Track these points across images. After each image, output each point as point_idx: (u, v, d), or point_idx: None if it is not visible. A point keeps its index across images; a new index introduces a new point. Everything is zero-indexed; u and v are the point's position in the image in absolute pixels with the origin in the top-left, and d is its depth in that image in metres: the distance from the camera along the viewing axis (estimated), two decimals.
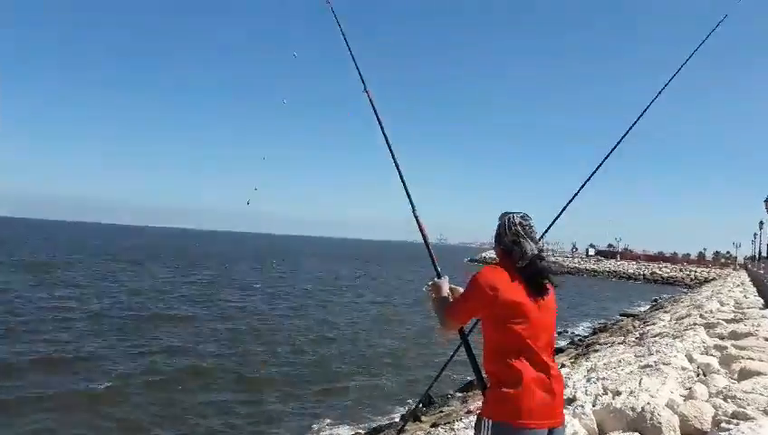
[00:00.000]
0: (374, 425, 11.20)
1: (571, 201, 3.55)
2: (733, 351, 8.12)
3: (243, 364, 15.68)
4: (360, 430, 11.09)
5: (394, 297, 35.84)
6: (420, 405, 10.76)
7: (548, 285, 2.48)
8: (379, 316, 26.74)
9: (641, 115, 3.29)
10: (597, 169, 3.33)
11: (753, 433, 3.89)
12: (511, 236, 2.50)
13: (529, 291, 2.42)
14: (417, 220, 3.09)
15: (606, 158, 3.27)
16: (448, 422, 8.44)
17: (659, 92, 3.34)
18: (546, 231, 3.63)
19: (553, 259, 2.66)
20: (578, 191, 3.48)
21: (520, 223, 2.52)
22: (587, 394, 6.02)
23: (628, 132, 3.31)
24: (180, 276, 40.97)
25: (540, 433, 2.34)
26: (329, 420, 11.57)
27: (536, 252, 2.46)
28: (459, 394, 12.42)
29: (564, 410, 5.11)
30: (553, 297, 2.51)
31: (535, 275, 2.44)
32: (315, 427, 11.23)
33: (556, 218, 3.56)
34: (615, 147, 3.30)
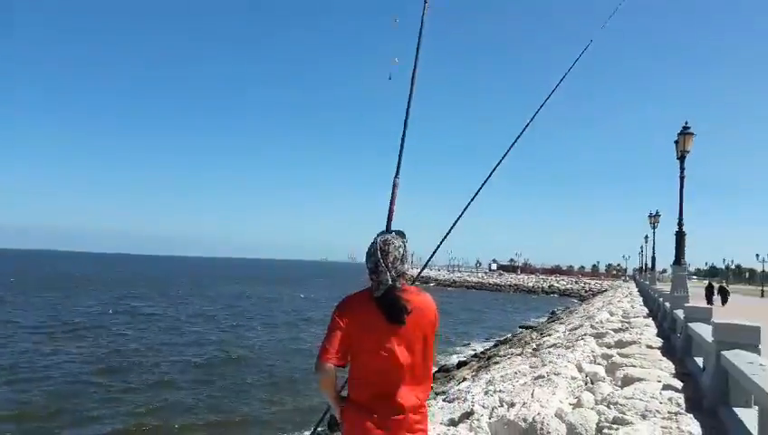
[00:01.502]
0: None
1: (459, 217, 3.62)
2: (618, 359, 8.65)
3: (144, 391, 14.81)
4: None
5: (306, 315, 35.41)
6: (322, 428, 10.56)
7: (408, 316, 2.33)
8: (286, 337, 26.25)
9: (520, 134, 3.43)
10: (482, 185, 3.43)
11: None
12: (370, 263, 2.37)
13: (386, 321, 2.32)
14: (394, 187, 2.93)
15: (489, 176, 3.38)
16: None
17: (537, 111, 3.49)
18: (437, 249, 3.71)
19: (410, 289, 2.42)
20: (465, 207, 3.56)
21: (381, 248, 2.36)
22: (484, 407, 6.17)
23: (509, 149, 3.45)
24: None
25: None
26: None
27: (391, 282, 2.32)
28: None
29: (457, 428, 5.17)
30: (419, 324, 2.37)
31: (390, 305, 2.31)
32: None
33: (445, 236, 3.62)
34: (497, 165, 3.42)
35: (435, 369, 17.98)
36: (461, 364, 17.74)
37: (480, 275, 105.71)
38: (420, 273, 3.18)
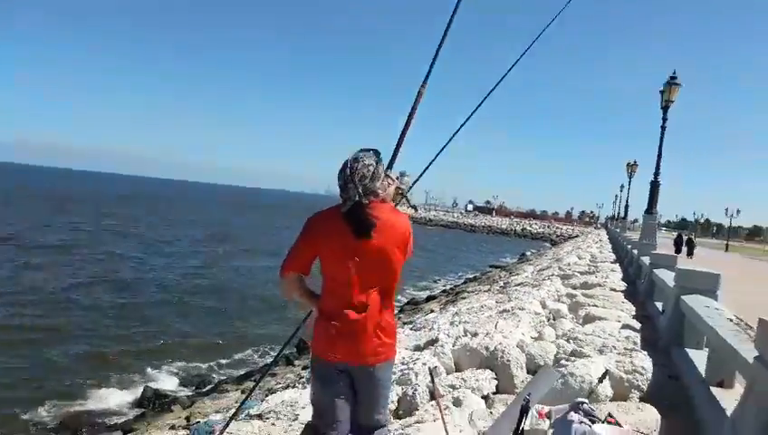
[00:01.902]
0: (244, 371, 11.11)
1: (439, 153, 3.60)
2: (581, 299, 8.93)
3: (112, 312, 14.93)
4: (232, 372, 11.01)
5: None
6: (294, 350, 10.85)
7: (375, 232, 2.35)
8: (254, 266, 26.45)
9: (505, 75, 3.38)
10: (463, 124, 3.40)
11: (585, 367, 4.31)
12: (339, 181, 2.38)
13: (352, 235, 2.34)
14: (418, 96, 2.96)
15: (468, 118, 3.35)
16: None
17: (519, 58, 3.43)
18: (415, 181, 3.70)
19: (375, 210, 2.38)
20: (446, 144, 3.54)
21: (350, 165, 2.36)
22: (449, 336, 6.35)
23: (491, 92, 3.42)
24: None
25: (338, 365, 2.41)
26: (201, 366, 11.39)
27: (358, 199, 2.33)
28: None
29: (422, 353, 5.34)
30: (387, 240, 2.38)
31: (356, 220, 2.34)
32: (183, 374, 10.99)
33: (424, 171, 3.60)
34: (478, 107, 3.38)
35: (405, 301, 18.41)
36: (430, 298, 18.15)
37: (456, 214, 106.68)
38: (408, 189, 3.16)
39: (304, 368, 9.14)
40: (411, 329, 8.43)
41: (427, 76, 3.00)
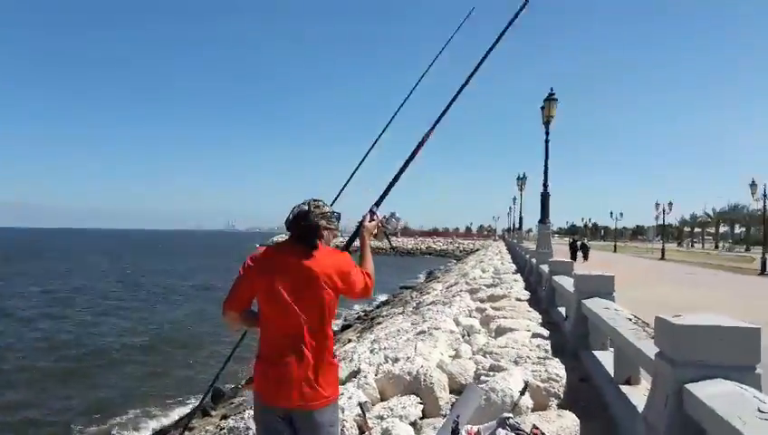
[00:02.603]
0: (159, 425, 10.50)
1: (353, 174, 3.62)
2: (491, 312, 9.26)
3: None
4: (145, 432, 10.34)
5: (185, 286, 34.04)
6: (208, 399, 10.36)
7: (310, 265, 2.39)
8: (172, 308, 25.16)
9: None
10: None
11: (505, 381, 4.46)
12: (291, 214, 2.50)
13: (287, 274, 2.38)
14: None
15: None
16: (239, 412, 8.27)
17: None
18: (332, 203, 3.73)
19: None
20: (359, 164, 3.58)
21: (309, 202, 2.52)
22: (370, 365, 6.34)
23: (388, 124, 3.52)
24: None
25: (278, 410, 2.38)
26: (114, 420, 10.61)
27: (310, 219, 2.46)
28: (249, 385, 12.22)
29: (345, 386, 5.29)
30: (321, 273, 2.39)
31: (302, 227, 2.44)
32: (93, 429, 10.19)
33: (338, 195, 3.62)
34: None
35: None
36: (345, 327, 18.05)
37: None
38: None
39: (223, 417, 8.75)
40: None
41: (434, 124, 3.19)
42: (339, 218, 2.62)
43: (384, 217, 3.03)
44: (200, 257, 66.43)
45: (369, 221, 2.97)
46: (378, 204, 3.06)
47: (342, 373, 6.68)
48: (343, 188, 3.40)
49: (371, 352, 7.54)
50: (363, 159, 3.57)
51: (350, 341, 11.74)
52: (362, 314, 22.12)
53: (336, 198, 3.29)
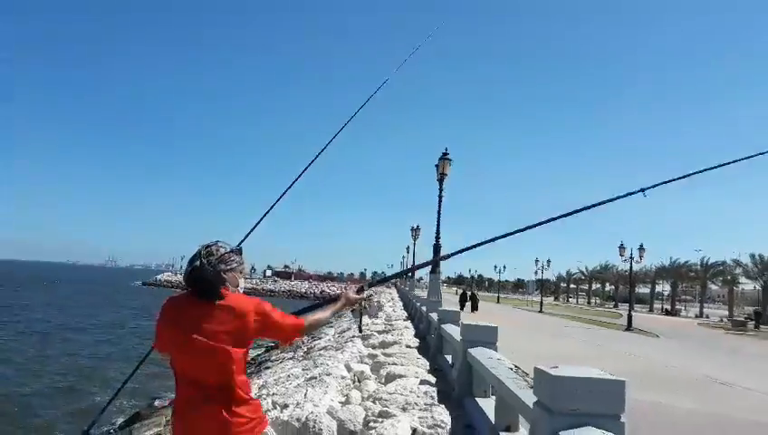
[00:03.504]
0: None
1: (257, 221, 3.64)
2: (382, 358, 9.35)
3: None
4: None
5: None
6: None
7: (216, 314, 2.30)
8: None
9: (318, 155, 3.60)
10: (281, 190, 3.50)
11: (393, 427, 4.53)
12: (188, 265, 2.41)
13: (189, 321, 2.29)
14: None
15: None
16: None
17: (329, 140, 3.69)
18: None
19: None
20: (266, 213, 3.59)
21: (205, 247, 2.42)
22: None
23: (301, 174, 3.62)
24: None
25: None
26: None
27: (199, 265, 2.34)
28: (123, 430, 11.39)
29: None
30: (229, 322, 2.30)
31: (198, 281, 2.33)
32: None
33: (241, 241, 3.61)
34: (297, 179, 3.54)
35: None
36: None
37: (255, 281, 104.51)
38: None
39: None
40: None
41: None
42: (240, 253, 2.49)
43: (369, 298, 3.06)
44: (84, 294, 61.43)
45: (356, 293, 3.04)
46: (371, 285, 3.11)
47: None
48: (254, 228, 3.38)
49: (259, 397, 7.32)
50: (277, 201, 3.60)
51: None
52: (249, 359, 21.37)
53: (246, 237, 3.27)
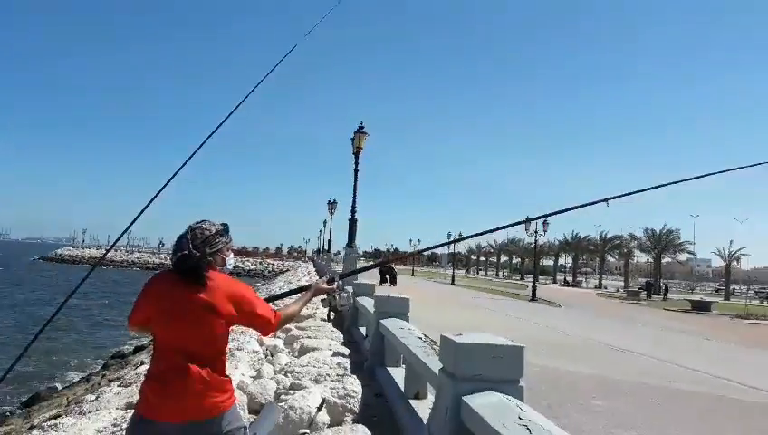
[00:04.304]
0: None
1: (153, 200, 3.49)
2: (296, 332, 9.35)
3: None
4: None
5: None
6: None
7: (205, 292, 2.42)
8: None
9: (225, 120, 3.48)
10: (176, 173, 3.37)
11: (304, 398, 4.56)
12: (175, 243, 2.52)
13: (182, 296, 2.41)
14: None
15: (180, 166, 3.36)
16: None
17: (236, 107, 3.58)
18: (129, 226, 3.57)
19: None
20: (159, 191, 3.45)
21: (190, 227, 2.51)
22: None
23: (209, 137, 3.49)
24: None
25: (155, 425, 2.37)
26: None
27: (186, 251, 2.43)
28: (22, 410, 10.78)
29: None
30: (213, 301, 2.42)
31: (184, 269, 2.42)
32: None
33: (138, 215, 3.45)
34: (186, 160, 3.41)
35: (109, 355, 16.68)
36: (138, 349, 16.74)
37: (163, 255, 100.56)
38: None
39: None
40: (120, 386, 7.69)
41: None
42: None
43: (339, 288, 3.23)
44: None
45: (327, 284, 3.16)
46: (342, 277, 3.28)
47: (133, 397, 6.23)
48: (152, 200, 3.23)
49: None
50: (176, 172, 3.45)
51: (143, 363, 10.91)
52: None
53: (143, 211, 3.13)
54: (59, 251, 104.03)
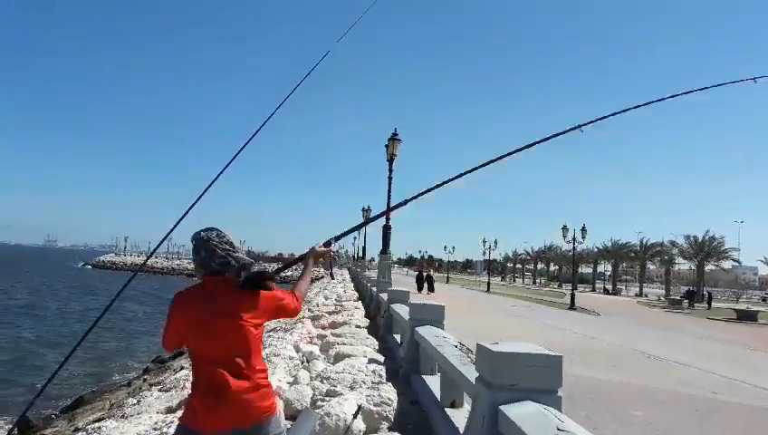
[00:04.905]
0: None
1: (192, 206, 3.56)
2: (331, 338, 9.39)
3: None
4: None
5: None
6: (15, 431, 9.18)
7: (226, 302, 2.48)
8: None
9: (257, 131, 3.54)
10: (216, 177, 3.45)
11: (340, 405, 4.58)
12: (202, 253, 2.54)
13: (214, 308, 2.45)
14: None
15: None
16: None
17: (270, 115, 3.63)
18: (168, 233, 3.65)
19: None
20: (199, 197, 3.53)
21: (212, 237, 2.55)
22: None
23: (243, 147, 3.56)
24: None
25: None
26: None
27: (237, 264, 2.52)
28: (67, 413, 11.11)
29: (176, 413, 5.07)
30: (249, 309, 2.49)
31: (252, 280, 2.51)
32: None
33: (177, 223, 3.53)
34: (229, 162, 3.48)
35: (150, 360, 17.04)
36: (178, 354, 17.06)
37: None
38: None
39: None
40: (160, 390, 7.86)
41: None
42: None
43: (336, 251, 3.17)
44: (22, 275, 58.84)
45: (323, 247, 3.14)
46: (337, 238, 3.21)
47: (173, 401, 6.36)
48: (189, 209, 3.31)
49: None
50: (213, 181, 3.53)
51: (182, 368, 11.13)
52: None
53: (182, 217, 3.20)
54: (102, 258, 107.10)
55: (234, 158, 3.61)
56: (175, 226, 3.55)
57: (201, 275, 2.55)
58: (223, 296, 2.47)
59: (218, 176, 3.57)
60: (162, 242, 3.91)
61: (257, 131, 3.63)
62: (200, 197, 3.56)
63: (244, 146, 3.63)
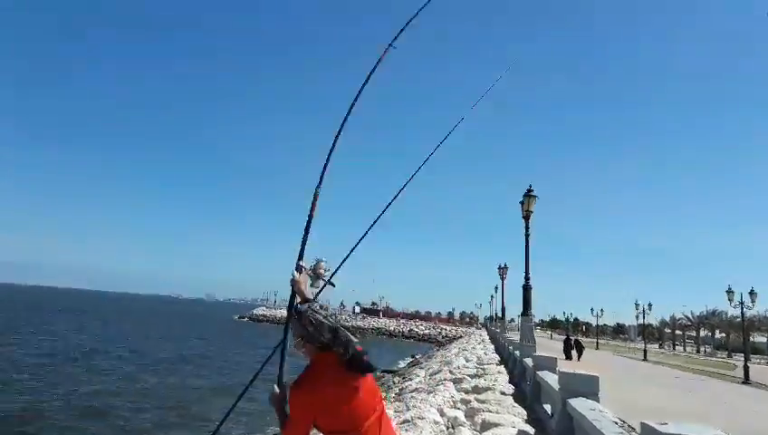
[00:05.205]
0: None
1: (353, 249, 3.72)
2: (475, 404, 9.15)
3: None
4: None
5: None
6: None
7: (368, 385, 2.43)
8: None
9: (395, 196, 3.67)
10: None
11: None
12: (327, 333, 2.44)
13: (348, 384, 2.39)
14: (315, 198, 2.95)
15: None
16: None
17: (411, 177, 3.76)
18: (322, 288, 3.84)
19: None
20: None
21: (326, 314, 2.50)
22: None
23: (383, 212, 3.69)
24: None
25: None
26: None
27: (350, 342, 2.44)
28: None
29: None
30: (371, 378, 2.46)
31: (361, 363, 2.41)
32: None
33: (330, 277, 3.70)
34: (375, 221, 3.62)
35: None
36: None
37: (344, 317, 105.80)
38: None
39: None
40: None
41: (321, 177, 3.12)
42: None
43: (312, 267, 2.90)
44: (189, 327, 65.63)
45: (300, 274, 2.77)
46: (300, 257, 2.88)
47: None
48: (342, 263, 3.44)
49: None
50: (365, 235, 3.65)
51: None
52: None
53: (335, 272, 3.34)
54: (254, 311, 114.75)
55: (383, 212, 3.70)
56: (322, 287, 3.71)
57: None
58: (355, 381, 2.39)
59: (363, 236, 3.69)
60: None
61: (401, 190, 3.72)
62: (348, 255, 3.69)
63: (394, 199, 3.73)
